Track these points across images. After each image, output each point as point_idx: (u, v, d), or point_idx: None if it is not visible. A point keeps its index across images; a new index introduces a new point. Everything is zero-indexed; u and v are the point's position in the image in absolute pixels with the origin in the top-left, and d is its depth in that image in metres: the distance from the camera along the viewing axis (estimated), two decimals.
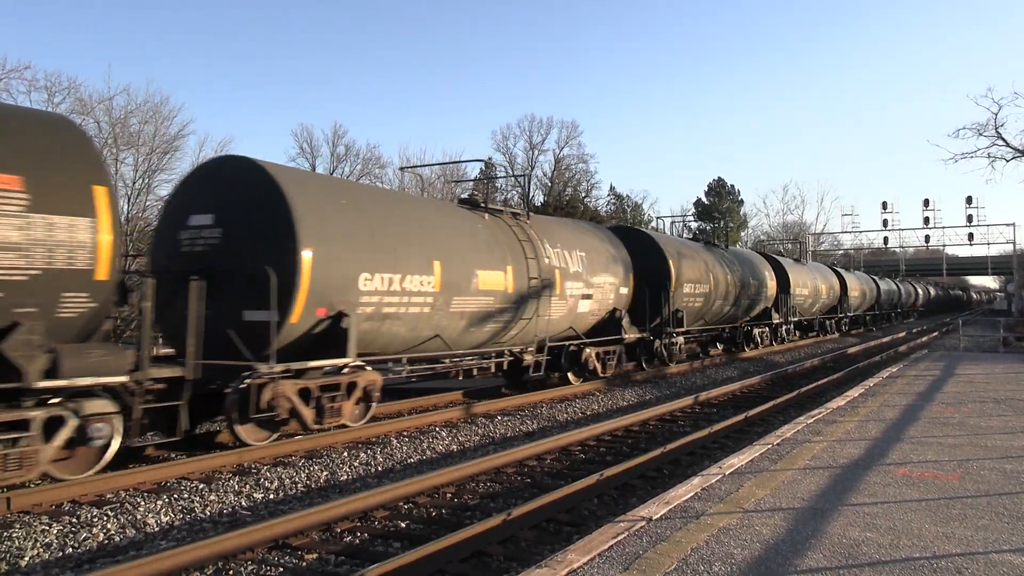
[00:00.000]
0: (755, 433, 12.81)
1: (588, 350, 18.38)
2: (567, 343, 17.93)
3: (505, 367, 16.77)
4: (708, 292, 24.51)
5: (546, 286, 16.17)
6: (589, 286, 18.00)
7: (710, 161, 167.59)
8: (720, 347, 28.97)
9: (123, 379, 8.87)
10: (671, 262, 21.74)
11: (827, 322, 41.39)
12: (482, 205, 16.33)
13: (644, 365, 21.91)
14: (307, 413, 11.01)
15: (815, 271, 40.87)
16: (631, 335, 19.91)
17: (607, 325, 19.22)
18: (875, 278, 60.18)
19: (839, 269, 44.57)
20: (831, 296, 40.11)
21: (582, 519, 8.11)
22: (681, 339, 23.43)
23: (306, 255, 10.64)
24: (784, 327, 33.10)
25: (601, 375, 18.99)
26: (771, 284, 31.74)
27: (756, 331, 30.17)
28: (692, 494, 7.34)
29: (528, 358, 16.50)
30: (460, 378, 15.45)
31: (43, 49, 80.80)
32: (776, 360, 28.22)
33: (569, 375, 18.24)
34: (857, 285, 45.40)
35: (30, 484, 8.62)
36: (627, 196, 78.25)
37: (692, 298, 23.37)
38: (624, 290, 19.71)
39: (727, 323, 28.09)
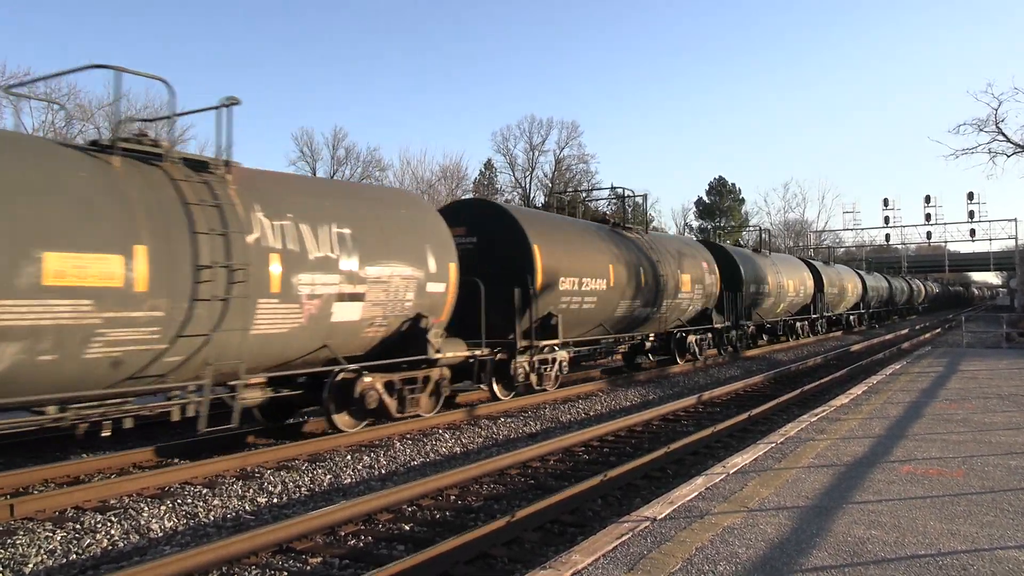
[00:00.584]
0: (759, 432, 12.80)
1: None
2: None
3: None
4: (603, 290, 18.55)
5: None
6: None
7: (711, 160, 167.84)
8: (652, 358, 23.45)
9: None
10: (535, 247, 15.63)
11: (797, 324, 35.90)
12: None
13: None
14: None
15: (781, 264, 34.28)
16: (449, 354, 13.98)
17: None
18: (888, 277, 61.15)
19: (814, 262, 40.64)
20: (802, 294, 35.12)
21: (586, 520, 8.10)
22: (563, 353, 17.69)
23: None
24: (734, 332, 26.67)
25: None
26: (712, 279, 24.97)
27: (692, 338, 23.77)
28: (696, 494, 7.32)
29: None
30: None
31: (42, 56, 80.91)
32: (779, 358, 28.20)
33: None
34: (838, 281, 42.03)
35: (32, 489, 8.62)
36: (628, 190, 78.21)
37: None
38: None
39: (639, 330, 21.51)
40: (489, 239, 15.77)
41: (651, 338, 22.19)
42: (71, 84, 48.06)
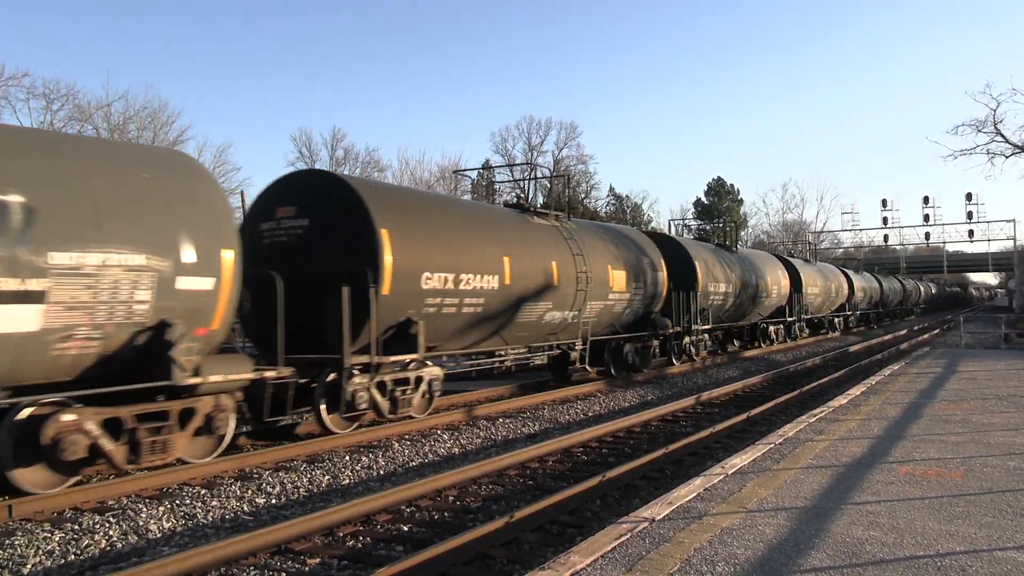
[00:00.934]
0: (757, 432, 12.80)
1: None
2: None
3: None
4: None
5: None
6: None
7: (710, 161, 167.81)
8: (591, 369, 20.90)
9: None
10: (382, 232, 12.39)
11: (770, 328, 33.60)
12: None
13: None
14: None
15: (752, 261, 33.79)
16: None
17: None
18: (879, 277, 59.38)
19: (794, 260, 38.57)
20: (775, 295, 33.04)
21: (585, 520, 8.10)
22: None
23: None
24: (686, 338, 24.24)
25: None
26: (657, 277, 23.07)
27: (629, 347, 21.34)
28: (695, 494, 7.33)
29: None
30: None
31: (41, 57, 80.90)
32: (777, 359, 28.21)
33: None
34: (819, 280, 40.58)
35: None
36: (627, 196, 78.33)
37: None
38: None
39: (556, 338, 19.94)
40: (325, 222, 12.21)
41: (577, 347, 18.03)
42: (69, 85, 48.16)
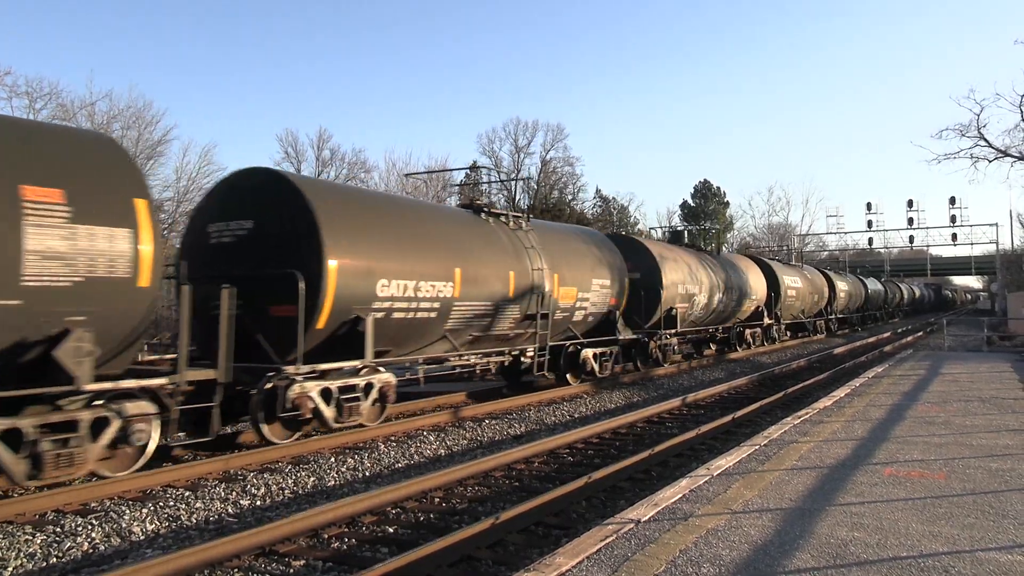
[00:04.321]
0: (743, 434, 12.84)
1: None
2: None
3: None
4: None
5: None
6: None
7: (696, 163, 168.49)
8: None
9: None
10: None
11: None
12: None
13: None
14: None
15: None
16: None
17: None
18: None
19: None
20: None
21: (571, 522, 8.10)
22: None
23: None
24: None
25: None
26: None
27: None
28: (680, 496, 7.34)
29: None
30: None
31: (24, 54, 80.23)
32: (763, 361, 28.31)
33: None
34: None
35: (12, 493, 8.54)
36: (613, 199, 78.46)
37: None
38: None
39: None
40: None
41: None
42: (52, 84, 47.83)
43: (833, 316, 45.68)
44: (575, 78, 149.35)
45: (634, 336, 20.86)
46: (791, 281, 36.46)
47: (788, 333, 38.08)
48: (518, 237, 16.37)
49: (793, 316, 37.60)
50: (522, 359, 17.19)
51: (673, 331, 23.19)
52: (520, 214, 17.62)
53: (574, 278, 17.84)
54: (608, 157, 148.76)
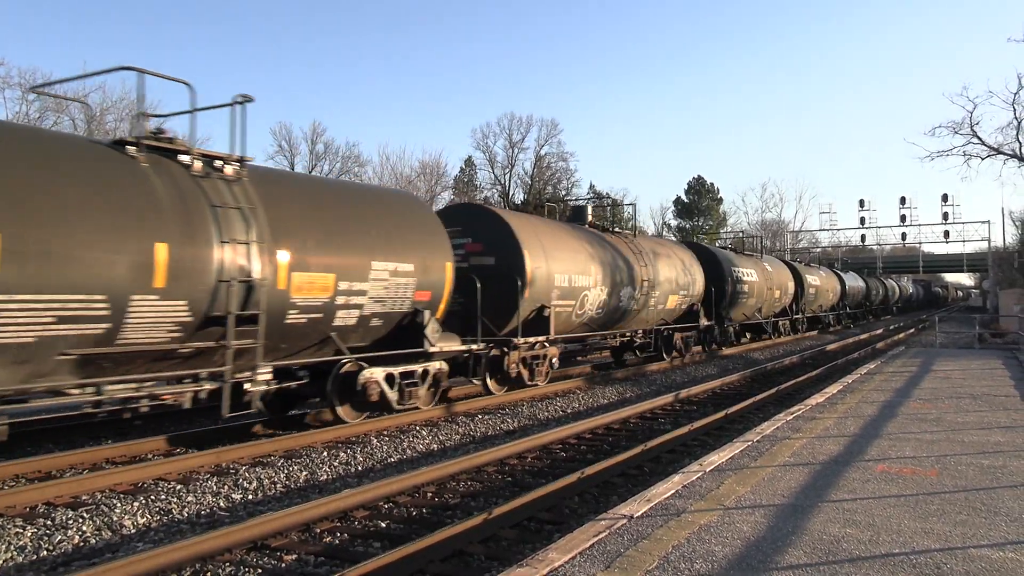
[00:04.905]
0: (735, 430, 12.86)
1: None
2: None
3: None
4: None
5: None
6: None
7: (690, 159, 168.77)
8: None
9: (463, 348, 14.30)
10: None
11: (677, 335, 25.57)
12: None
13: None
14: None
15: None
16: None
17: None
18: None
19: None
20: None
21: (563, 517, 8.09)
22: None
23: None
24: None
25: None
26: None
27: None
28: (673, 492, 7.34)
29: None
30: None
31: (16, 45, 79.74)
32: (756, 357, 28.37)
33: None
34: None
35: (3, 486, 8.49)
36: (607, 194, 78.51)
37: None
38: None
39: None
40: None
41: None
42: (46, 76, 47.57)
43: (801, 315, 39.74)
44: (570, 73, 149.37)
45: (460, 348, 14.40)
46: (744, 273, 30.15)
47: (748, 335, 34.09)
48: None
49: (747, 315, 31.56)
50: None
51: (547, 337, 17.07)
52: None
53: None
54: (602, 153, 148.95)
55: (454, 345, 14.18)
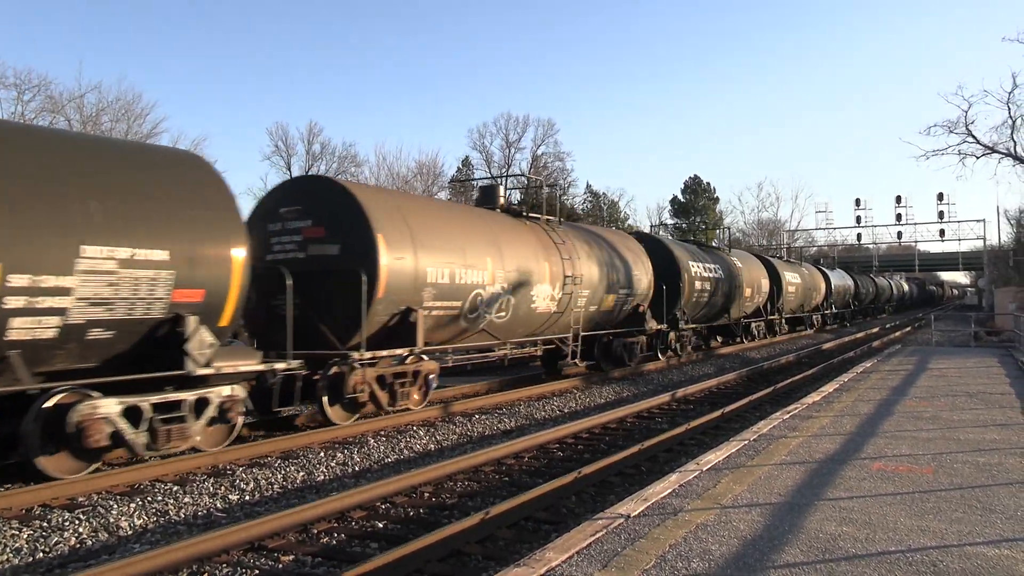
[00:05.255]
0: (732, 429, 12.87)
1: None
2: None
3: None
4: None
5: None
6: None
7: (686, 159, 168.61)
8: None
9: (261, 368, 10.81)
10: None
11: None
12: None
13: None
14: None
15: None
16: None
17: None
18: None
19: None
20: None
21: (560, 517, 8.10)
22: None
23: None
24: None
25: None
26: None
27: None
28: (670, 491, 7.35)
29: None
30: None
31: (12, 46, 79.47)
32: (752, 356, 28.40)
33: None
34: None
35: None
36: (603, 194, 78.58)
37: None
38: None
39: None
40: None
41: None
42: (41, 76, 47.56)
43: (778, 317, 35.69)
44: (567, 74, 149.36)
45: (251, 368, 10.70)
46: (705, 270, 26.19)
47: (719, 338, 30.94)
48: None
49: (711, 317, 27.95)
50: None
51: (411, 349, 13.33)
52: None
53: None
54: (599, 153, 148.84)
55: (243, 364, 10.51)
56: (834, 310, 47.81)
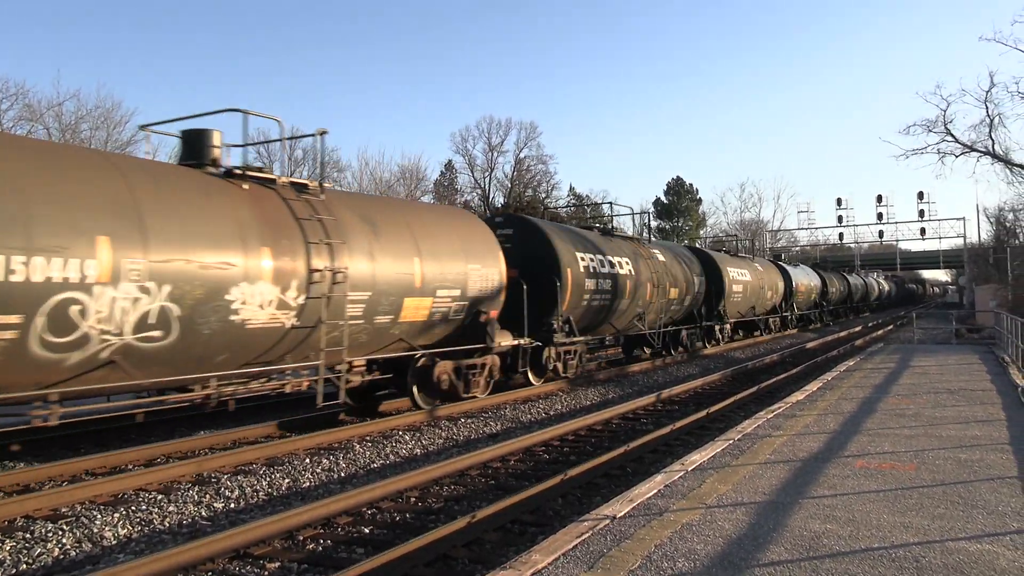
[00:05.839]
0: (716, 429, 12.93)
1: None
2: None
3: None
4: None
5: None
6: None
7: (669, 160, 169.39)
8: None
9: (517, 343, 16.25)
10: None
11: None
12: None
13: None
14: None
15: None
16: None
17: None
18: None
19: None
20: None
21: (547, 519, 8.11)
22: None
23: None
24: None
25: None
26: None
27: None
28: (655, 491, 7.38)
29: None
30: None
31: None
32: (737, 356, 28.52)
33: None
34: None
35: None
36: (586, 196, 78.68)
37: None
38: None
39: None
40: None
41: None
42: (19, 84, 47.21)
43: (721, 323, 30.14)
44: (549, 76, 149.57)
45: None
46: (593, 262, 19.39)
47: (647, 349, 25.52)
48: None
49: (618, 326, 22.07)
50: None
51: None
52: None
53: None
54: (582, 155, 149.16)
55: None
56: (796, 311, 41.98)
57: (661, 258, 24.47)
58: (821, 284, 48.93)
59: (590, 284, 19.03)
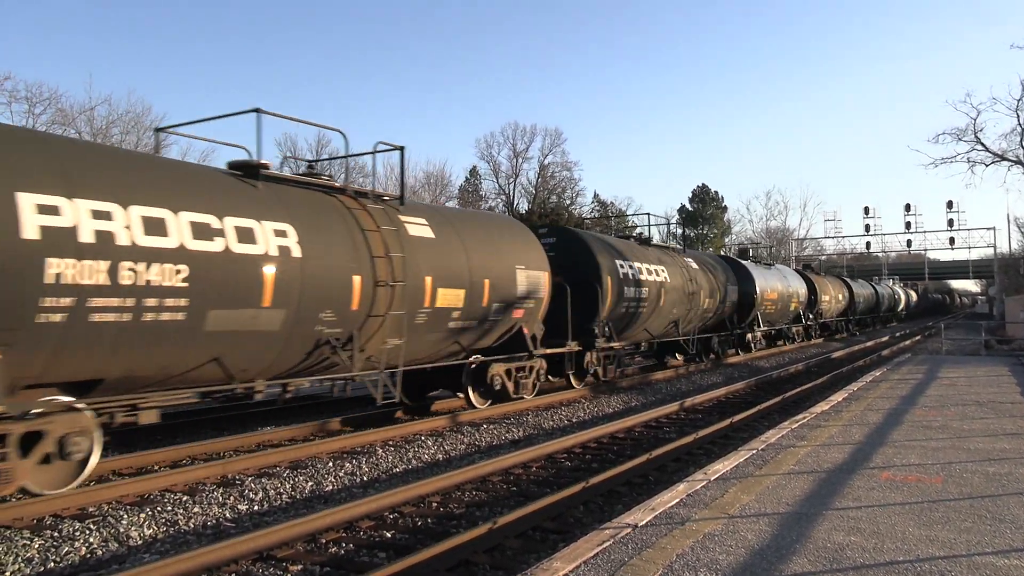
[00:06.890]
0: (740, 439, 12.84)
1: None
2: None
3: None
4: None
5: None
6: None
7: (694, 168, 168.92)
8: None
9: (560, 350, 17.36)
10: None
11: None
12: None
13: None
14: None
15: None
16: None
17: None
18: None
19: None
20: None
21: (568, 527, 8.10)
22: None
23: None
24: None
25: None
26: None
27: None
28: (678, 500, 7.35)
29: None
30: None
31: (23, 59, 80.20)
32: (761, 365, 28.33)
33: None
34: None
35: (11, 498, 8.53)
36: (611, 203, 78.55)
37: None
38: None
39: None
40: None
41: None
42: (52, 89, 47.97)
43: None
44: (574, 83, 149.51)
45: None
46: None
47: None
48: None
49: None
50: None
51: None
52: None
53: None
54: (606, 162, 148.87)
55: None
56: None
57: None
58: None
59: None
